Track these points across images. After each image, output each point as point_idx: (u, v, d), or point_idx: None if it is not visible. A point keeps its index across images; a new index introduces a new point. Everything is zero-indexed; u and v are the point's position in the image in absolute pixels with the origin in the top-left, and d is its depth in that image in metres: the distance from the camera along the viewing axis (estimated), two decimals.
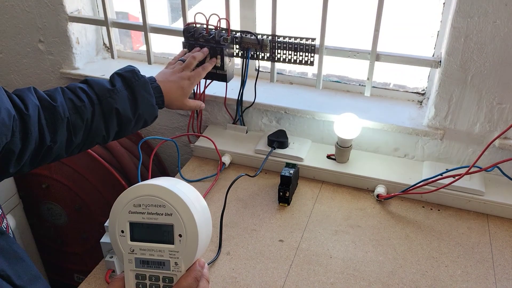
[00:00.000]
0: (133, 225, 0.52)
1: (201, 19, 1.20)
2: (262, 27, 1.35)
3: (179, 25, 1.43)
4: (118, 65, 1.57)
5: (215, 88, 1.37)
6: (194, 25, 1.22)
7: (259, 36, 1.23)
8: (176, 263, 0.51)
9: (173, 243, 0.51)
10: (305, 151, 1.29)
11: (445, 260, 1.01)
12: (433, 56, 1.24)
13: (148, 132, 1.61)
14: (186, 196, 0.51)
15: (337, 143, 1.24)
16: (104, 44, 1.63)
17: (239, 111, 1.38)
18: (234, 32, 1.24)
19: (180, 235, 0.50)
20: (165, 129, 1.57)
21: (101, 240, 0.95)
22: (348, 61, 1.26)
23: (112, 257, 0.96)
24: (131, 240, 0.52)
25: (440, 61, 1.14)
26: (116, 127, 0.90)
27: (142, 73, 0.99)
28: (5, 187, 1.35)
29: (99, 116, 0.86)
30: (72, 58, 1.54)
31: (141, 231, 0.52)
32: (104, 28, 1.54)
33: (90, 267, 1.02)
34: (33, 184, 1.46)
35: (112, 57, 1.52)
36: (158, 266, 0.52)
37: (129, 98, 0.91)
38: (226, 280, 0.96)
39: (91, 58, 1.60)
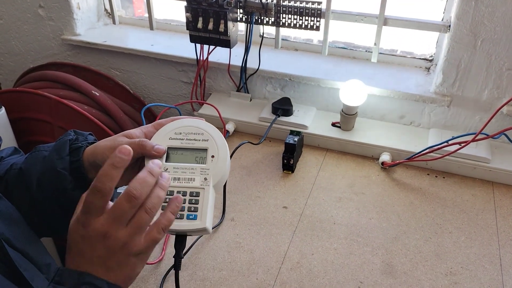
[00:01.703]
0: (169, 150, 0.59)
1: None
2: None
3: None
4: (120, 31, 1.55)
5: (219, 55, 1.35)
6: None
7: (263, 0, 1.20)
8: (205, 179, 0.57)
9: (205, 164, 0.58)
10: (310, 119, 1.28)
11: (449, 226, 1.01)
12: (442, 20, 1.20)
13: (151, 99, 1.59)
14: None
15: (342, 111, 1.23)
16: (106, 9, 1.60)
17: (243, 78, 1.36)
18: None
19: (212, 156, 0.59)
20: (168, 96, 1.56)
21: None
22: (354, 27, 1.23)
23: None
24: (166, 162, 0.58)
25: (449, 26, 1.11)
26: None
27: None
28: None
29: None
30: (73, 24, 1.51)
31: (176, 155, 0.59)
32: None
33: None
34: None
35: (114, 22, 1.49)
36: (188, 182, 0.57)
37: None
38: (231, 245, 0.97)
39: (92, 24, 1.57)
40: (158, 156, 0.58)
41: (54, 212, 0.61)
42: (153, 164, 0.51)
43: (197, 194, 0.56)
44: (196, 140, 0.60)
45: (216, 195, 0.60)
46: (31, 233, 0.59)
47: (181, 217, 0.55)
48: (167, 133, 0.60)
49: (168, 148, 0.59)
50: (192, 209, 0.56)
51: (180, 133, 0.60)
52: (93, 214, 0.48)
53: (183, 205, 0.55)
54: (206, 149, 0.59)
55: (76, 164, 0.59)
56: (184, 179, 0.57)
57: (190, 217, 0.56)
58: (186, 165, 0.58)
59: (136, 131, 0.61)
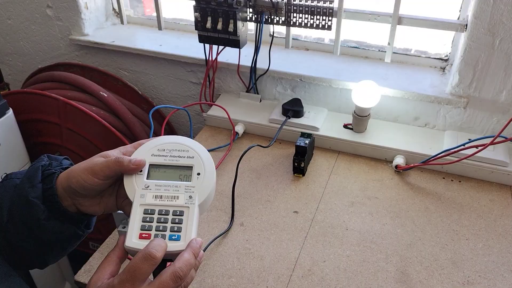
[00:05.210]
0: (151, 167, 0.56)
1: None
2: None
3: None
4: (128, 30, 1.54)
5: (228, 55, 1.33)
6: None
7: None
8: (190, 197, 0.54)
9: (190, 181, 0.55)
10: (321, 120, 1.25)
11: (466, 233, 0.98)
12: (458, 19, 1.17)
13: (159, 100, 1.58)
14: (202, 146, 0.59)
15: (354, 112, 1.20)
16: (114, 9, 1.58)
17: (252, 79, 1.33)
18: None
19: (198, 174, 0.55)
20: (177, 97, 1.54)
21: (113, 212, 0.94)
22: (367, 26, 1.20)
23: (124, 227, 0.94)
24: (146, 179, 0.55)
25: (466, 25, 1.07)
26: None
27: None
28: (18, 156, 1.34)
29: None
30: (81, 24, 1.50)
31: (158, 173, 0.56)
32: None
33: (104, 235, 1.02)
34: (45, 153, 1.45)
35: (122, 22, 1.48)
36: (171, 200, 0.54)
37: None
38: (240, 251, 0.94)
39: (100, 24, 1.56)
40: (137, 170, 0.54)
41: (28, 245, 0.56)
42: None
43: (181, 213, 0.53)
44: (180, 157, 0.56)
45: (200, 215, 0.55)
46: (2, 267, 0.56)
47: (163, 238, 0.51)
48: (149, 149, 0.57)
49: (150, 165, 0.56)
50: (176, 229, 0.52)
51: (164, 150, 0.57)
52: (135, 283, 0.47)
53: (165, 224, 0.52)
54: (192, 167, 0.56)
55: (49, 192, 0.55)
56: (167, 197, 0.54)
57: (173, 237, 0.51)
58: (170, 183, 0.55)
59: (113, 152, 0.57)
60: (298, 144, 1.11)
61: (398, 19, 1.13)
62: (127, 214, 0.55)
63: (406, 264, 0.91)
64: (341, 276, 0.89)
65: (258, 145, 1.15)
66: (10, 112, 1.28)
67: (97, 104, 1.38)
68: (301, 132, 1.16)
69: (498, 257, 0.92)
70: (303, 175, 1.14)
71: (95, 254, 0.96)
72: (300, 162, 1.12)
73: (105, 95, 1.38)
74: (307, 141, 1.12)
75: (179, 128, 1.63)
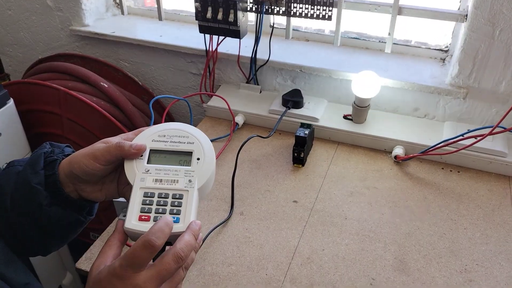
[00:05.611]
0: (152, 152, 0.57)
1: None
2: None
3: None
4: (128, 21, 1.54)
5: (228, 45, 1.33)
6: None
7: None
8: (190, 181, 0.54)
9: (190, 166, 0.56)
10: (321, 111, 1.26)
11: (464, 222, 0.98)
12: (458, 9, 1.17)
13: (160, 91, 1.58)
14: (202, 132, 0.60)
15: (354, 103, 1.20)
16: (114, 0, 1.58)
17: (252, 70, 1.34)
18: None
19: (198, 159, 0.56)
20: (177, 88, 1.54)
21: (114, 199, 0.94)
22: (367, 16, 1.20)
23: (125, 215, 0.95)
24: (147, 164, 0.56)
25: (466, 15, 1.07)
26: None
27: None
28: (18, 147, 1.35)
29: None
30: (82, 14, 1.50)
31: (159, 158, 0.57)
32: None
33: (104, 225, 1.03)
34: None
35: (122, 13, 1.47)
36: (171, 183, 0.54)
37: None
38: (240, 239, 0.95)
39: (101, 14, 1.56)
40: (137, 154, 0.55)
41: (30, 232, 0.57)
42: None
43: (181, 196, 0.53)
44: (181, 142, 0.57)
45: (200, 203, 0.56)
46: (7, 253, 0.56)
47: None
48: (150, 135, 0.58)
49: (150, 150, 0.57)
50: (175, 211, 0.53)
51: (164, 136, 0.58)
52: (135, 268, 0.47)
53: (165, 207, 0.53)
54: (191, 152, 0.56)
55: (51, 178, 0.56)
56: (166, 181, 0.54)
57: (172, 219, 0.52)
58: (170, 167, 0.55)
59: (115, 138, 0.58)
60: (297, 134, 1.12)
61: (398, 9, 1.13)
62: (128, 200, 0.56)
63: (404, 253, 0.92)
64: (339, 264, 0.90)
65: (258, 136, 1.16)
66: (11, 102, 1.28)
67: (98, 94, 1.38)
68: (301, 123, 1.17)
69: (496, 246, 0.93)
70: (303, 165, 1.15)
71: (96, 242, 0.97)
72: (299, 153, 1.13)
73: (106, 85, 1.38)
74: (306, 132, 1.12)
75: (179, 119, 1.64)
